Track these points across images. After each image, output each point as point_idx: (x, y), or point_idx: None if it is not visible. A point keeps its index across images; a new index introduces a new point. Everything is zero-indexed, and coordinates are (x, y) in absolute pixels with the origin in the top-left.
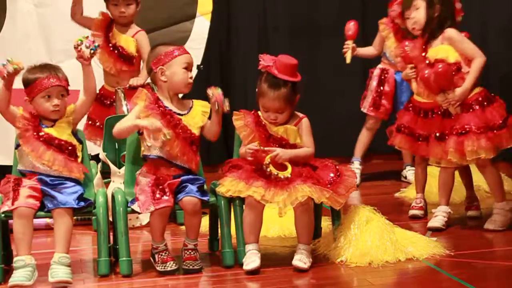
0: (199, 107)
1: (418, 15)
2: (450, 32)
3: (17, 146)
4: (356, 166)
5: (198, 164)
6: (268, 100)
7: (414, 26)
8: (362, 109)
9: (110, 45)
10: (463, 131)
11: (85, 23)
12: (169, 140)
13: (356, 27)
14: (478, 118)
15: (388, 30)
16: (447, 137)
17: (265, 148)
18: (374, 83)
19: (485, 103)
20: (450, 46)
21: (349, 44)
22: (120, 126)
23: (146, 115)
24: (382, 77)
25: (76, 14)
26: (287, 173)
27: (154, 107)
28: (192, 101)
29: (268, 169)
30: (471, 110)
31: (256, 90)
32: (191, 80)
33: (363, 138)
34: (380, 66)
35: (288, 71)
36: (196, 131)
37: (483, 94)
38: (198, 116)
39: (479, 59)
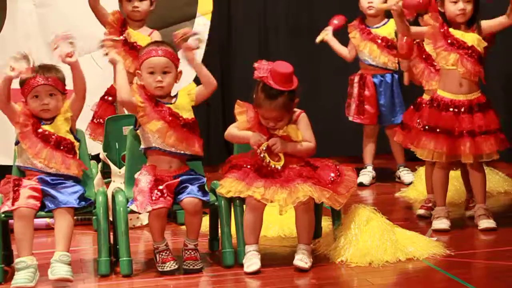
0: (183, 92)
1: (469, 7)
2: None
3: (17, 143)
4: (369, 170)
5: (201, 146)
6: (266, 110)
7: (460, 16)
8: (348, 117)
9: (128, 43)
10: (481, 131)
11: (100, 14)
12: (161, 131)
13: (342, 20)
14: (489, 119)
15: (355, 31)
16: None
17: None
18: (355, 90)
19: (489, 107)
20: (481, 39)
21: (327, 29)
22: (119, 89)
23: (142, 102)
24: (362, 83)
25: (95, 1)
26: (279, 164)
27: (147, 100)
28: (177, 91)
29: (262, 155)
30: (481, 111)
31: (254, 97)
32: (157, 84)
33: (367, 147)
34: (359, 72)
35: (283, 80)
36: (188, 115)
37: (485, 98)
38: (185, 100)
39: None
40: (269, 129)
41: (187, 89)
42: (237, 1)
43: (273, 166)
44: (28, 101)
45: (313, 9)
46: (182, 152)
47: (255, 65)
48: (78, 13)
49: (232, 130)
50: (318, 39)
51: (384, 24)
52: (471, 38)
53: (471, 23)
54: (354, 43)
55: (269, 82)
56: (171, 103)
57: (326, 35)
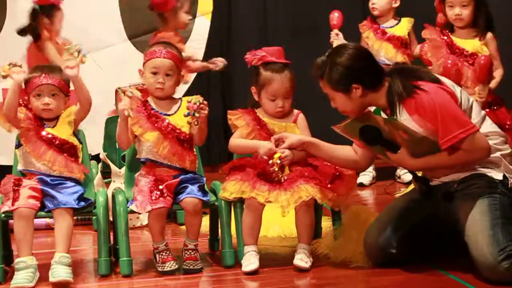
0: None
1: (465, 12)
2: (491, 35)
3: (18, 146)
4: (369, 170)
5: (193, 162)
6: (277, 84)
7: (457, 21)
8: None
9: None
10: None
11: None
12: (157, 142)
13: (340, 17)
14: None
15: (368, 31)
16: None
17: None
18: None
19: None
20: (484, 46)
21: (333, 33)
22: (118, 141)
23: (132, 118)
24: None
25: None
26: (285, 175)
27: (141, 109)
28: (181, 99)
29: (276, 168)
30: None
31: (254, 87)
32: (158, 85)
33: None
34: None
35: (281, 55)
36: (186, 129)
37: (495, 96)
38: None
39: (501, 70)
40: (268, 128)
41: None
42: (237, 1)
43: (282, 180)
44: (31, 99)
45: (313, 9)
46: (173, 165)
47: (247, 56)
48: (78, 13)
49: (236, 141)
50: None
51: (397, 24)
52: (472, 45)
53: (474, 27)
54: (369, 43)
55: (270, 59)
56: (169, 115)
57: (338, 39)
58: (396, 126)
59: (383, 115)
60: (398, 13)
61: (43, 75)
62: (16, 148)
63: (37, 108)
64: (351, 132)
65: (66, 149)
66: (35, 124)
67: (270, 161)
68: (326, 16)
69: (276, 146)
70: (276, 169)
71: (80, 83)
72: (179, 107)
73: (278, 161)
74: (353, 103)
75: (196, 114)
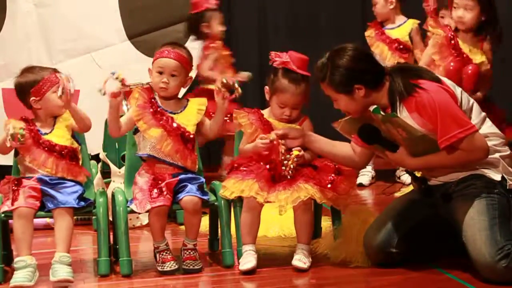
0: (195, 105)
1: (468, 15)
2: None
3: (17, 154)
4: (368, 170)
5: (194, 162)
6: (290, 95)
7: (459, 23)
8: None
9: None
10: None
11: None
12: (161, 138)
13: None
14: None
15: (371, 30)
16: None
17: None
18: None
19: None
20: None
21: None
22: (108, 126)
23: (138, 114)
24: None
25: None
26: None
27: (147, 106)
28: (188, 100)
29: (286, 161)
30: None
31: (269, 87)
32: (162, 85)
33: None
34: None
35: (304, 65)
36: (190, 129)
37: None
38: (192, 114)
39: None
40: (273, 127)
41: (200, 105)
42: (237, 1)
43: (288, 177)
44: (49, 97)
45: (313, 9)
46: (175, 163)
47: (271, 54)
48: (78, 13)
49: (244, 148)
50: None
51: (399, 26)
52: (479, 57)
53: (480, 33)
54: (369, 43)
55: (292, 67)
56: (174, 113)
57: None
58: (395, 123)
59: (383, 113)
60: (408, 13)
61: (54, 72)
62: (14, 156)
63: (57, 104)
64: (350, 129)
65: (66, 154)
66: (30, 133)
67: (288, 156)
68: (325, 16)
69: (283, 142)
70: (292, 166)
71: (77, 111)
72: (185, 107)
73: (296, 159)
74: (356, 104)
75: (238, 83)
